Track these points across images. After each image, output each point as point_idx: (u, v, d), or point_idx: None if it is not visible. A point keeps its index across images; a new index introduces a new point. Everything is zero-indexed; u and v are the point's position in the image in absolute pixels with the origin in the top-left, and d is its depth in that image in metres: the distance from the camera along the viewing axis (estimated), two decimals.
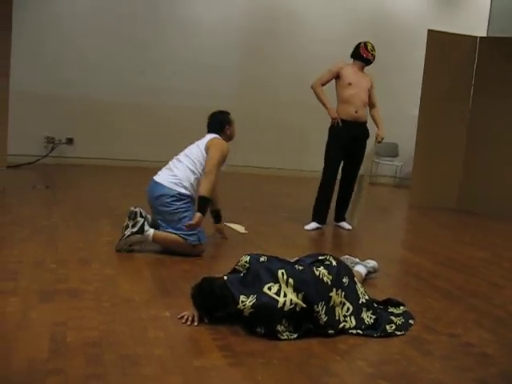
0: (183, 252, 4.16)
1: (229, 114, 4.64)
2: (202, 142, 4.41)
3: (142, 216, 4.19)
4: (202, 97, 8.87)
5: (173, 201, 4.18)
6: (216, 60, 9.14)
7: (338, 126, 5.51)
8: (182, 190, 4.21)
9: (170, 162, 4.45)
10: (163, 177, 4.31)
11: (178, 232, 4.14)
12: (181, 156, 4.43)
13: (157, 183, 4.29)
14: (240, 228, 5.21)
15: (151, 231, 4.17)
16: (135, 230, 4.14)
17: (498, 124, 7.64)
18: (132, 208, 4.21)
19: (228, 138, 4.56)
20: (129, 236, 4.14)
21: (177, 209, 4.18)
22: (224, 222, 5.03)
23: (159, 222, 4.27)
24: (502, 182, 7.63)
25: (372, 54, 5.56)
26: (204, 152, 4.32)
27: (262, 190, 8.17)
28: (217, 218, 4.83)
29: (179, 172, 4.28)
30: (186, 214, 4.17)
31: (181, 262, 4.04)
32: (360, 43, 5.61)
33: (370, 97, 5.65)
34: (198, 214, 4.05)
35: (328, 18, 9.80)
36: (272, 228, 5.50)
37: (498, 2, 10.56)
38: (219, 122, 4.55)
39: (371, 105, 5.72)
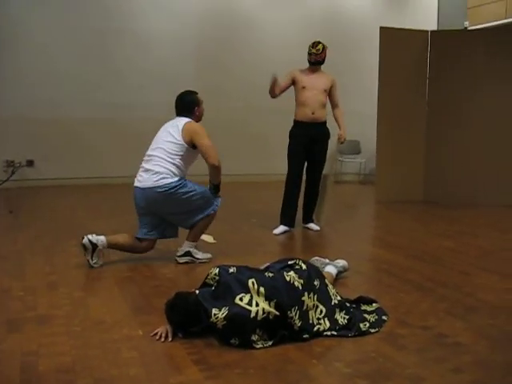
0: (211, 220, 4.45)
1: (197, 93, 4.56)
2: (175, 128, 4.34)
3: (91, 243, 4.18)
4: (161, 107, 8.82)
5: (171, 190, 4.21)
6: (175, 70, 9.12)
7: (295, 127, 5.57)
8: (174, 179, 4.24)
9: (145, 164, 4.36)
10: (148, 181, 4.25)
11: (204, 214, 4.37)
12: (154, 152, 4.34)
13: (144, 189, 4.26)
14: (209, 238, 5.18)
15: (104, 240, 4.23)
16: (96, 260, 4.22)
17: (455, 114, 7.77)
18: (82, 241, 4.20)
19: (197, 118, 4.51)
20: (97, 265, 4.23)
21: (180, 191, 4.24)
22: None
23: (176, 220, 4.42)
24: (463, 171, 7.77)
25: (314, 54, 5.50)
26: (180, 138, 4.28)
27: (228, 197, 8.12)
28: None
29: (160, 168, 4.24)
30: (194, 192, 4.31)
31: (151, 278, 4.01)
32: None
33: (331, 97, 5.69)
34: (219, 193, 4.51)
35: (282, 24, 9.90)
36: (242, 235, 5.50)
37: None
38: (188, 103, 4.48)
39: (333, 105, 5.76)
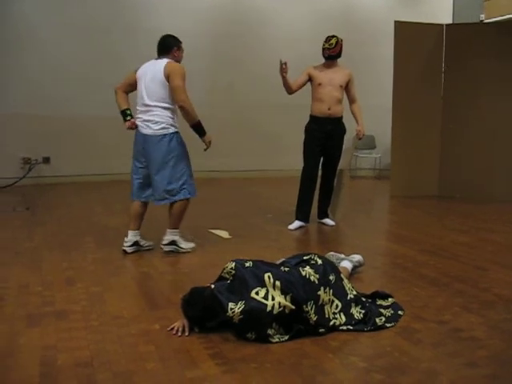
0: (187, 204, 4.55)
1: (177, 38, 4.71)
2: (157, 72, 4.43)
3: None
4: None
5: (168, 145, 4.42)
6: (188, 66, 9.08)
7: (311, 123, 5.57)
8: (172, 129, 4.44)
9: (143, 115, 4.52)
10: (149, 129, 4.47)
11: (176, 190, 4.45)
12: (147, 101, 4.48)
13: (145, 135, 4.50)
14: (224, 233, 5.21)
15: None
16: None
17: (470, 108, 7.72)
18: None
19: (176, 61, 4.56)
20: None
21: (173, 153, 4.42)
22: (208, 229, 5.16)
23: (153, 180, 4.54)
24: (478, 166, 7.72)
25: (327, 48, 5.50)
26: (165, 80, 4.40)
27: (243, 194, 8.18)
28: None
29: (158, 116, 4.43)
30: (181, 162, 4.47)
31: (167, 273, 4.05)
32: None
33: (348, 92, 5.67)
34: (207, 135, 4.60)
35: (295, 19, 9.86)
36: (256, 231, 5.51)
37: None
38: (168, 45, 4.62)
39: (350, 100, 5.74)
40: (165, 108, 4.44)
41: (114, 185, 8.47)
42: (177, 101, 4.39)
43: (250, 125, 9.67)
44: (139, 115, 4.55)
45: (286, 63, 5.31)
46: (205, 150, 4.67)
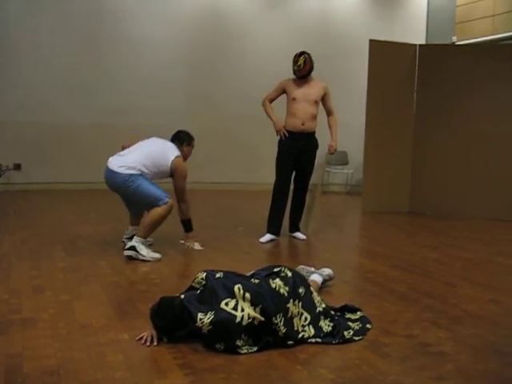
0: (163, 217, 4.73)
1: (192, 136, 5.19)
2: (168, 153, 4.86)
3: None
4: (153, 113, 8.89)
5: (128, 180, 4.68)
6: (168, 76, 9.15)
7: (284, 137, 5.59)
8: (132, 171, 4.71)
9: (119, 155, 4.89)
10: (114, 166, 4.79)
11: (150, 200, 4.72)
12: (135, 153, 4.82)
13: (110, 170, 4.81)
14: (196, 245, 5.19)
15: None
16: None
17: (442, 127, 7.86)
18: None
19: (184, 154, 5.04)
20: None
21: (134, 183, 4.68)
22: (180, 240, 5.26)
23: (130, 204, 5.07)
24: (449, 183, 7.85)
25: (297, 70, 5.51)
26: (168, 166, 4.83)
27: (217, 206, 8.18)
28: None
29: (133, 162, 4.74)
30: (139, 182, 4.69)
31: (137, 283, 4.02)
32: None
33: (324, 105, 5.72)
34: (191, 233, 5.14)
35: (273, 34, 9.99)
36: (229, 243, 5.51)
37: (434, 11, 10.94)
38: (181, 138, 5.09)
39: (327, 113, 5.79)
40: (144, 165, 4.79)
41: (87, 193, 8.42)
42: (179, 200, 4.98)
43: (227, 137, 9.72)
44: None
45: (284, 134, 5.57)
46: (187, 246, 5.13)
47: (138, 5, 9.14)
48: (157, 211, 4.69)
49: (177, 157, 4.87)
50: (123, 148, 5.04)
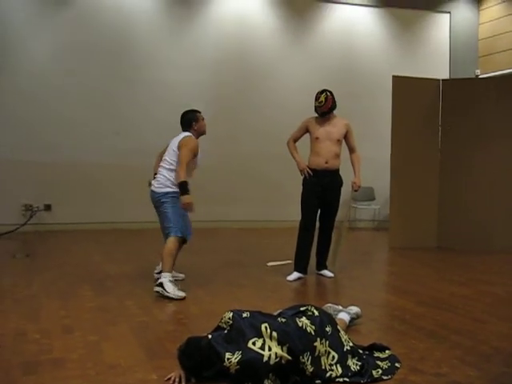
0: (171, 249, 4.89)
1: (196, 111, 5.27)
2: (175, 143, 5.07)
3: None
4: None
5: (161, 199, 4.99)
6: None
7: (309, 175, 5.62)
8: (167, 189, 4.97)
9: (159, 170, 5.17)
10: (155, 184, 5.11)
11: (168, 225, 4.96)
12: (162, 162, 5.14)
13: (152, 191, 5.11)
14: (284, 262, 6.03)
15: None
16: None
17: (468, 161, 7.83)
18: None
19: (198, 133, 5.21)
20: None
21: (164, 204, 4.96)
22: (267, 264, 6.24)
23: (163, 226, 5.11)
24: (477, 217, 7.78)
25: (318, 106, 5.57)
26: (177, 151, 4.99)
27: (244, 243, 8.20)
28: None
29: (162, 177, 5.04)
30: (168, 204, 4.95)
31: (165, 323, 4.05)
32: None
33: (347, 142, 5.75)
34: (184, 196, 4.82)
35: (295, 73, 10.12)
36: (255, 281, 5.51)
37: (456, 45, 11.00)
38: (187, 121, 5.22)
39: (350, 150, 5.82)
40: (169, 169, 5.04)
41: (115, 233, 8.53)
42: (178, 167, 4.92)
43: (252, 175, 9.80)
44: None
45: (309, 173, 5.64)
46: (184, 207, 4.92)
47: (158, 49, 9.36)
48: (167, 245, 4.92)
49: (185, 137, 5.06)
50: (155, 174, 5.25)
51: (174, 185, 4.94)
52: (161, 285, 4.73)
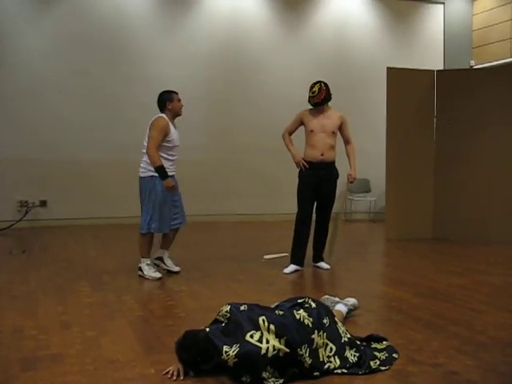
0: (140, 242, 5.29)
1: (172, 92, 5.33)
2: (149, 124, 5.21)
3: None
4: None
5: (143, 186, 5.21)
6: (186, 113, 9.24)
7: (304, 168, 5.62)
8: (150, 173, 5.12)
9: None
10: (140, 171, 5.27)
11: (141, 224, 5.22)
12: (143, 147, 5.23)
13: (139, 178, 5.29)
14: (280, 255, 6.10)
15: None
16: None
17: (463, 151, 7.85)
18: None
19: (172, 113, 5.29)
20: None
21: (144, 193, 5.19)
22: (264, 257, 6.29)
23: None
24: (473, 208, 7.81)
25: (312, 96, 5.57)
26: (147, 131, 5.17)
27: (240, 237, 8.20)
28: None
29: (143, 162, 5.22)
30: (145, 200, 5.17)
31: (163, 317, 4.04)
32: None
33: (342, 134, 5.75)
34: (165, 181, 5.04)
35: (289, 65, 10.10)
36: (252, 274, 5.52)
37: (450, 36, 11.00)
38: (162, 101, 5.30)
39: (345, 141, 5.82)
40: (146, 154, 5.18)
41: (111, 228, 8.53)
42: (147, 149, 5.09)
43: (248, 169, 9.80)
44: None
45: (304, 165, 5.63)
46: (166, 189, 5.12)
47: (153, 45, 9.34)
48: (140, 240, 5.30)
49: (154, 118, 5.19)
50: None
51: (150, 171, 5.13)
52: (140, 269, 5.26)
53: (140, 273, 5.25)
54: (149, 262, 5.28)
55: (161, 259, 5.49)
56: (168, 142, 5.16)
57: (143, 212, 5.20)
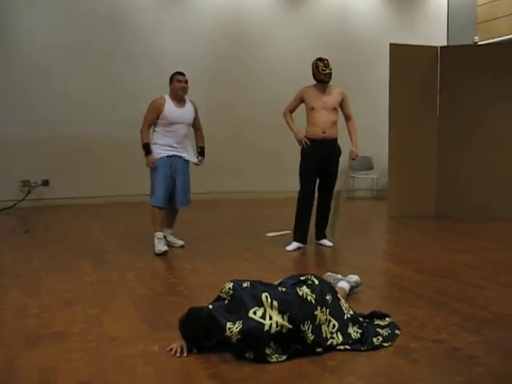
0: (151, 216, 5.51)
1: (176, 73, 5.48)
2: None
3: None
4: None
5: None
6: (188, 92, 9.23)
7: (306, 145, 5.59)
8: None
9: None
10: None
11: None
12: None
13: None
14: (284, 232, 6.15)
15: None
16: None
17: (466, 129, 7.79)
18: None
19: (174, 94, 5.45)
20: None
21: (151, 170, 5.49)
22: (266, 235, 6.33)
23: None
24: (474, 185, 7.76)
25: (325, 74, 5.51)
26: None
27: (242, 215, 8.20)
28: (201, 153, 5.75)
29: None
30: (150, 175, 5.48)
31: (165, 294, 4.05)
32: (313, 63, 5.59)
33: (343, 110, 5.70)
34: (147, 157, 5.40)
35: (292, 40, 10.00)
36: (255, 252, 5.52)
37: (454, 11, 10.88)
38: (169, 83, 5.49)
39: (346, 118, 5.77)
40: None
41: (114, 207, 8.53)
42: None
43: (250, 146, 9.74)
44: None
45: (306, 142, 5.59)
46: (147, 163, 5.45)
47: (156, 19, 9.24)
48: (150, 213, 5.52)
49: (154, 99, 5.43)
50: None
51: (154, 144, 5.42)
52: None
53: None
54: (160, 236, 5.39)
55: (164, 238, 5.54)
56: (162, 119, 5.36)
57: (151, 186, 5.49)
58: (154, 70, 9.06)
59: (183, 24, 9.39)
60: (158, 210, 5.41)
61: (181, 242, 5.65)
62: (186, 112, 5.45)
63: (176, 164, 5.42)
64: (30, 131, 8.52)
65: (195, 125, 5.65)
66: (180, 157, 5.46)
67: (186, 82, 5.45)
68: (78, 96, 8.79)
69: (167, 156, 5.39)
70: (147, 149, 5.37)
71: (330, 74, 5.52)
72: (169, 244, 5.55)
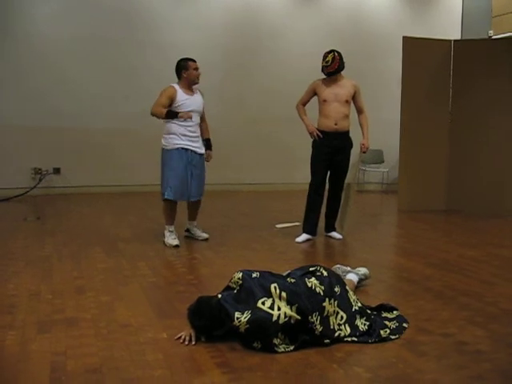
0: (163, 209, 5.46)
1: (189, 60, 5.37)
2: None
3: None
4: None
5: (161, 155, 5.42)
6: (201, 80, 9.22)
7: (318, 138, 5.60)
8: (162, 146, 5.38)
9: None
10: None
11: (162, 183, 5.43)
12: None
13: None
14: (292, 224, 6.20)
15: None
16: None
17: (478, 123, 7.76)
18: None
19: (188, 81, 5.34)
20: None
21: (161, 160, 5.42)
22: (275, 226, 6.36)
23: None
24: (486, 180, 7.74)
25: (325, 66, 5.51)
26: None
27: (253, 206, 8.23)
28: (208, 145, 5.59)
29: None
30: (162, 168, 5.38)
31: (175, 283, 4.10)
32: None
33: (355, 103, 5.70)
34: (179, 114, 5.22)
35: (306, 33, 9.97)
36: (265, 243, 5.55)
37: (469, 5, 10.80)
38: (177, 69, 5.36)
39: (358, 111, 5.77)
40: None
41: (126, 196, 8.59)
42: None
43: (261, 138, 9.76)
44: None
45: (318, 135, 5.60)
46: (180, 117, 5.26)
47: (169, 11, 9.24)
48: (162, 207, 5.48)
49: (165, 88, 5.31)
50: None
51: (168, 134, 5.32)
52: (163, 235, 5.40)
53: (164, 239, 5.39)
54: (171, 229, 5.37)
55: (188, 231, 5.67)
56: (176, 108, 5.26)
57: (161, 179, 5.39)
58: (165, 62, 9.05)
59: (196, 16, 9.39)
60: (170, 204, 5.35)
61: (205, 235, 5.61)
62: (197, 100, 5.40)
63: (192, 157, 5.32)
64: (43, 120, 8.58)
65: (201, 116, 5.56)
66: (195, 151, 5.34)
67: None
68: (91, 87, 8.82)
69: (183, 148, 5.27)
70: (172, 114, 5.23)
71: (327, 66, 5.50)
72: (193, 236, 5.60)
